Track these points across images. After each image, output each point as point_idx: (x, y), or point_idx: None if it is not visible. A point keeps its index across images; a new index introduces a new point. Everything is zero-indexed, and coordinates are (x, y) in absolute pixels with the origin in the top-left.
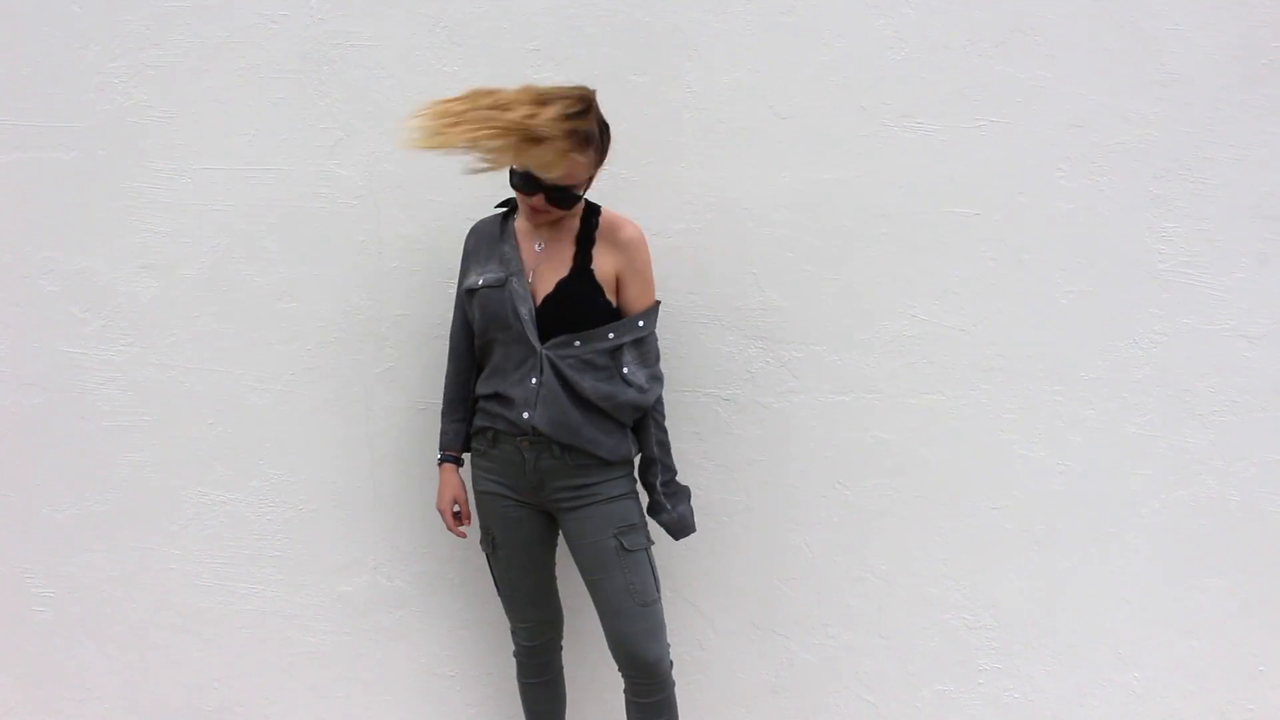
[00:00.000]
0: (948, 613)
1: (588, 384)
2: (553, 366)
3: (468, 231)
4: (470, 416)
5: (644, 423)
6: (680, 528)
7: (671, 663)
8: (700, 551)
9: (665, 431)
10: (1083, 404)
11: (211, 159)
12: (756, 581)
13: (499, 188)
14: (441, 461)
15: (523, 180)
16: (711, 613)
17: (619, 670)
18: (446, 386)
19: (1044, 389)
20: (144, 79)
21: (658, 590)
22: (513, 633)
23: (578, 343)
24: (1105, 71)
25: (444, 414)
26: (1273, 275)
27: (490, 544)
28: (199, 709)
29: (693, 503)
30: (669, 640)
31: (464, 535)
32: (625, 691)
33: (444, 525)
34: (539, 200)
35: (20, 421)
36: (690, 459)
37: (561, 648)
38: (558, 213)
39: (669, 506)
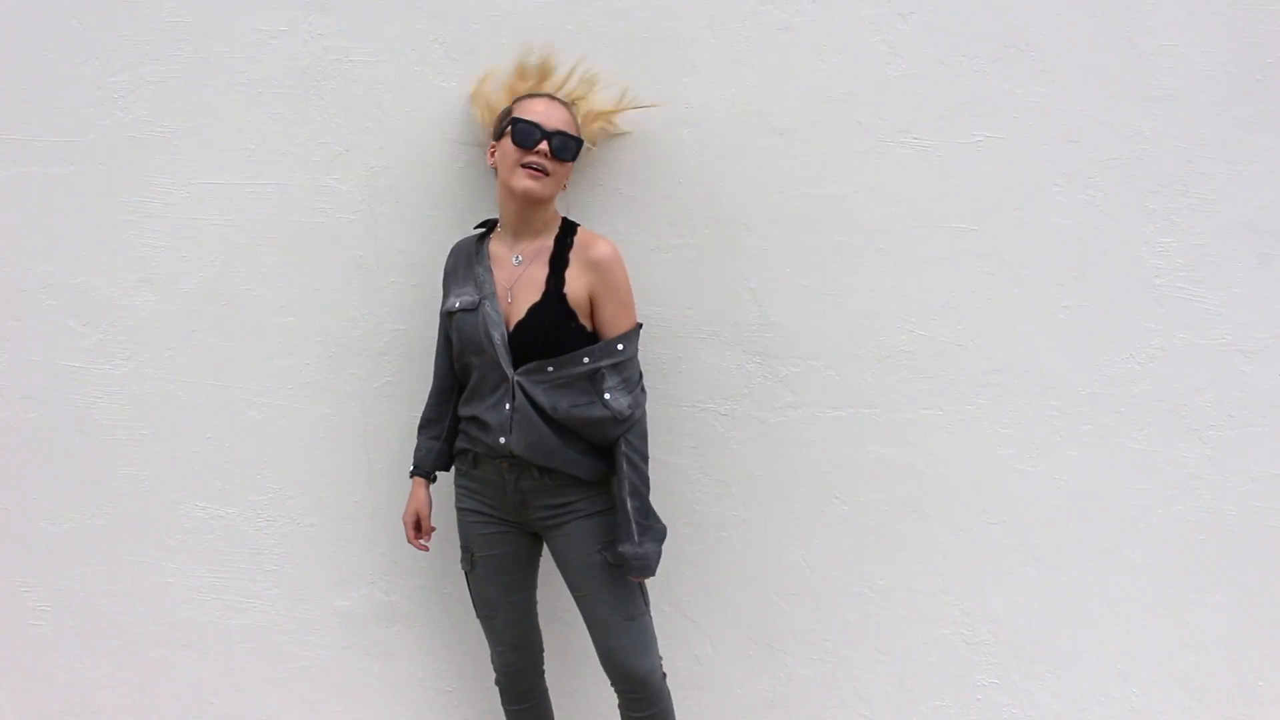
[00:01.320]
0: (945, 628)
1: (563, 408)
2: (524, 392)
3: (449, 251)
4: (448, 435)
5: (615, 444)
6: (640, 565)
7: (665, 674)
8: (697, 566)
9: (641, 455)
10: (1080, 419)
11: (210, 174)
12: (754, 596)
13: (494, 206)
14: (413, 475)
15: (525, 131)
16: (709, 627)
17: (612, 685)
18: (427, 404)
19: (1041, 404)
20: (143, 94)
21: (646, 604)
22: (492, 659)
23: (550, 368)
24: (1100, 87)
25: (421, 429)
26: (1269, 289)
27: (469, 562)
28: None
29: (690, 518)
30: (662, 653)
31: (425, 549)
32: (619, 707)
33: (429, 541)
34: (543, 149)
35: (18, 435)
36: (687, 474)
37: (543, 672)
38: (558, 172)
39: (636, 538)
